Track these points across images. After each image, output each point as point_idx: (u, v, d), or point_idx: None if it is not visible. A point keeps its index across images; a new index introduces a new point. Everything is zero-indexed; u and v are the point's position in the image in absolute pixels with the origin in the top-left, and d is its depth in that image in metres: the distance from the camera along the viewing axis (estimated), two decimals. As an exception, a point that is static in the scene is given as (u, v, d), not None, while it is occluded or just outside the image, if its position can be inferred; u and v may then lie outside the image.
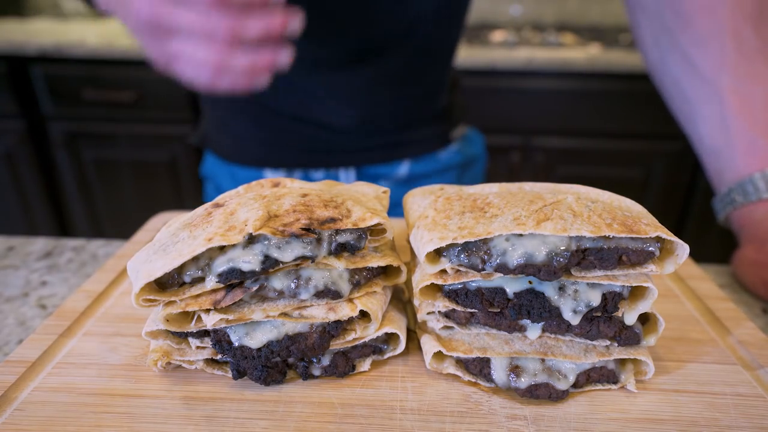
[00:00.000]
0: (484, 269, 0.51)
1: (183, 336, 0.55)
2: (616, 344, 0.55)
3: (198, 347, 0.55)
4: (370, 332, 0.57)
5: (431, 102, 1.17)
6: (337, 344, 0.56)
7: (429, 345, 0.56)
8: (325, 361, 0.56)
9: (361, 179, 1.16)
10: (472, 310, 0.55)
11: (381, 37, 1.03)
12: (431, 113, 1.18)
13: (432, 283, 0.55)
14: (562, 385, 0.53)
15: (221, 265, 0.51)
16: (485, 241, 0.51)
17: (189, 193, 2.47)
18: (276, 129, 1.11)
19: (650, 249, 0.51)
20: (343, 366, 0.56)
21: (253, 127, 1.13)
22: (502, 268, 0.50)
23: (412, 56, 1.08)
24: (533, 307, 0.53)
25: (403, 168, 1.16)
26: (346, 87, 1.07)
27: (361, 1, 0.96)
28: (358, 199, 0.60)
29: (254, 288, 0.53)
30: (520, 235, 0.50)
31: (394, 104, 1.12)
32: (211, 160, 1.23)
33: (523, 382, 0.53)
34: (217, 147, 1.20)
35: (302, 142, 1.12)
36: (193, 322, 0.54)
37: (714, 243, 2.44)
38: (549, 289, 0.53)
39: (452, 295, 0.55)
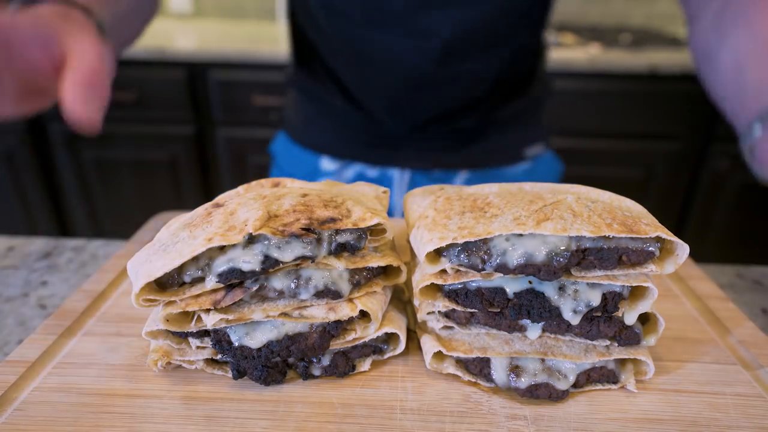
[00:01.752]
0: (484, 269, 0.51)
1: (183, 336, 0.55)
2: (616, 344, 0.55)
3: (198, 347, 0.55)
4: (370, 332, 0.57)
5: (506, 104, 1.10)
6: (337, 344, 0.56)
7: (429, 345, 0.56)
8: (325, 361, 0.56)
9: (416, 184, 1.14)
10: (472, 310, 0.55)
11: (476, 31, 0.98)
12: (504, 118, 1.11)
13: (432, 283, 0.55)
14: (562, 385, 0.53)
15: (221, 265, 0.51)
16: (485, 241, 0.51)
17: (189, 193, 2.47)
18: (338, 118, 1.13)
19: (650, 249, 0.51)
20: (343, 366, 0.56)
21: (318, 113, 1.15)
22: (502, 268, 0.50)
23: (494, 47, 1.01)
24: (533, 307, 0.53)
25: (459, 179, 1.13)
26: (427, 87, 1.04)
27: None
28: (358, 199, 0.60)
29: (254, 288, 0.53)
30: (520, 235, 0.50)
31: (466, 103, 1.07)
32: (280, 139, 1.26)
33: (523, 382, 0.54)
34: (289, 127, 1.23)
35: (360, 135, 1.13)
36: (193, 322, 0.54)
37: (714, 243, 2.44)
38: (549, 289, 0.53)
39: (452, 295, 0.55)
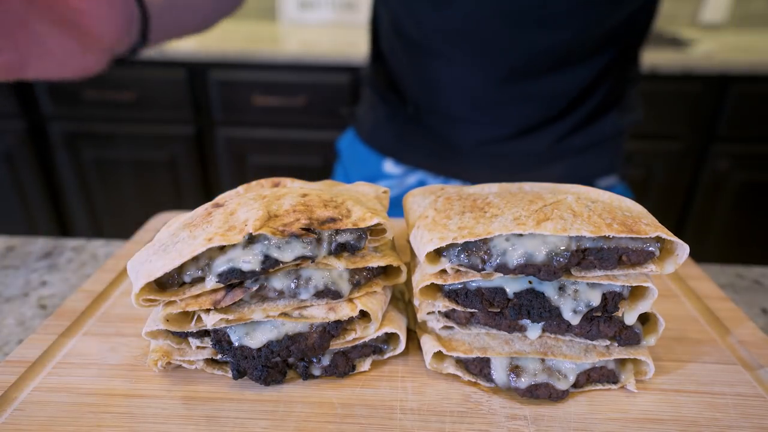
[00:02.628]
0: (484, 269, 0.51)
1: (183, 336, 0.55)
2: (616, 344, 0.55)
3: (198, 347, 0.55)
4: (370, 332, 0.57)
5: (581, 131, 1.05)
6: (337, 344, 0.56)
7: (429, 345, 0.56)
8: (325, 361, 0.56)
9: None
10: (472, 310, 0.55)
11: (549, 51, 0.94)
12: (579, 146, 1.06)
13: (432, 283, 0.55)
14: (562, 385, 0.53)
15: (221, 265, 0.51)
16: (485, 241, 0.51)
17: (189, 193, 2.47)
18: (407, 124, 1.12)
19: (650, 249, 0.51)
20: (343, 366, 0.56)
21: (388, 116, 1.15)
22: (502, 268, 0.50)
23: (577, 74, 0.97)
24: (533, 307, 0.53)
25: None
26: (493, 105, 1.02)
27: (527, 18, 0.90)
28: (358, 199, 0.60)
29: (254, 288, 0.53)
30: (520, 235, 0.50)
31: (538, 127, 1.04)
32: (348, 136, 1.26)
33: (523, 382, 0.54)
34: (359, 125, 1.23)
35: (426, 145, 1.11)
36: (193, 322, 0.54)
37: (714, 243, 2.44)
38: (549, 289, 0.53)
39: (452, 295, 0.55)
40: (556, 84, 0.99)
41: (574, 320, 0.53)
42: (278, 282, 0.53)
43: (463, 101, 1.04)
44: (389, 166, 1.15)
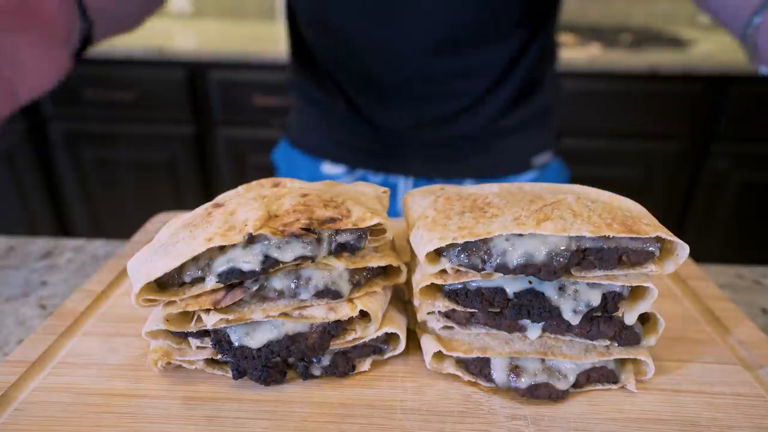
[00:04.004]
0: (484, 269, 0.51)
1: (183, 336, 0.55)
2: (616, 344, 0.55)
3: (198, 347, 0.55)
4: (370, 332, 0.57)
5: (510, 112, 1.08)
6: (337, 344, 0.56)
7: (429, 345, 0.56)
8: (325, 361, 0.56)
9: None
10: (472, 310, 0.55)
11: (466, 26, 0.96)
12: (510, 127, 1.08)
13: (432, 283, 0.55)
14: (562, 385, 0.54)
15: (221, 265, 0.51)
16: (485, 241, 0.51)
17: (189, 193, 2.47)
18: (339, 122, 1.11)
19: (650, 249, 0.51)
20: (343, 366, 0.57)
21: (319, 116, 1.14)
22: (502, 268, 0.50)
23: (499, 48, 1.00)
24: (533, 307, 0.53)
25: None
26: (421, 83, 1.02)
27: None
28: (358, 198, 0.60)
29: (254, 288, 0.53)
30: (520, 235, 0.50)
31: (470, 107, 1.05)
32: (282, 147, 1.24)
33: (523, 382, 0.54)
34: (290, 132, 1.22)
35: (362, 141, 1.11)
36: (193, 322, 0.54)
37: (714, 243, 2.44)
38: (549, 289, 0.53)
39: (452, 295, 0.55)
40: (478, 59, 1.01)
41: (574, 320, 0.53)
42: (278, 282, 0.53)
43: (394, 70, 1.02)
44: (327, 168, 1.15)
